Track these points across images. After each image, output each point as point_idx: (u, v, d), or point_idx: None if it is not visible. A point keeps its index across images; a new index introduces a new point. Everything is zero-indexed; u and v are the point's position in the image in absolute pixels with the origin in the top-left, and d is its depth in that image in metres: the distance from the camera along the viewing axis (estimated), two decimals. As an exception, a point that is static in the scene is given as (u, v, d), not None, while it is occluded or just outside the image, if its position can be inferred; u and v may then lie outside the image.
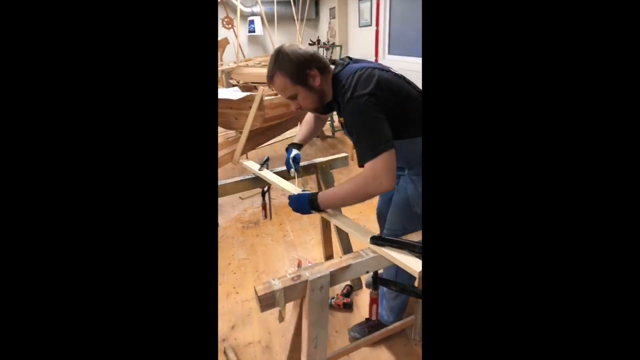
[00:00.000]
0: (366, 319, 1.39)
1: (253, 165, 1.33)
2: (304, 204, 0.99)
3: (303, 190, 1.08)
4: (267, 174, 1.25)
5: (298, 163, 1.22)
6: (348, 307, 1.51)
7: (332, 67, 0.99)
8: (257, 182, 1.28)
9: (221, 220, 2.32)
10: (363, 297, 1.57)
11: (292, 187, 1.14)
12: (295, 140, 1.26)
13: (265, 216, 1.23)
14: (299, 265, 1.80)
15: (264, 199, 1.28)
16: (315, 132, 1.29)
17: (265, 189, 1.28)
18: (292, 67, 0.91)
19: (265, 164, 1.29)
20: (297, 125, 3.77)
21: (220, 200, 2.51)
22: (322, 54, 4.80)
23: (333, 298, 1.52)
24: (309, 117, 1.29)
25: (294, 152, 1.21)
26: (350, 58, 1.00)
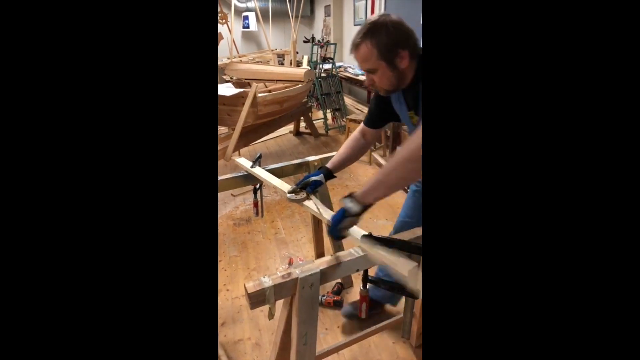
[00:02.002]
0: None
1: (245, 163, 1.32)
2: (337, 215, 0.81)
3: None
4: (259, 172, 1.25)
5: (312, 188, 1.03)
6: (338, 305, 1.51)
7: None
8: (249, 179, 1.27)
9: (212, 217, 2.31)
10: (353, 295, 1.58)
11: (285, 185, 1.14)
12: (328, 165, 1.07)
13: (257, 213, 1.23)
14: (290, 263, 1.80)
15: (255, 196, 1.28)
16: (356, 154, 1.10)
17: (257, 186, 1.28)
18: (386, 40, 0.83)
19: (257, 161, 1.29)
20: (290, 122, 3.76)
21: (212, 196, 2.49)
22: (316, 51, 4.75)
23: (323, 296, 1.52)
24: (352, 140, 1.10)
25: (316, 177, 1.03)
26: None
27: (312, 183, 1.04)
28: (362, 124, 1.10)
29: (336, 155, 1.10)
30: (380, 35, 0.83)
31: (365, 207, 0.79)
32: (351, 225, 0.81)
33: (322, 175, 1.05)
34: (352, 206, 0.79)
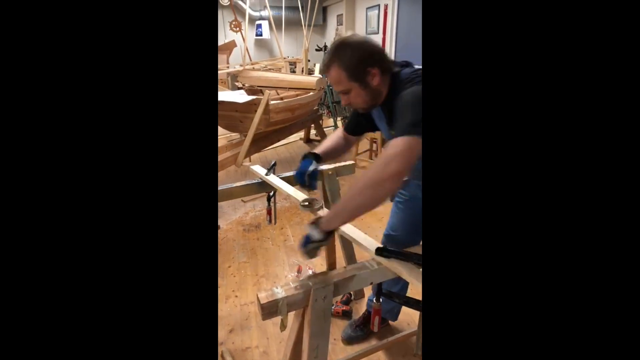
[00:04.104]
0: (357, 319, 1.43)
1: (260, 170, 1.33)
2: (304, 239, 0.82)
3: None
4: (274, 179, 1.25)
5: (315, 179, 1.04)
6: (347, 315, 1.50)
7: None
8: (263, 186, 1.28)
9: (223, 223, 2.32)
10: (363, 306, 1.56)
11: (298, 193, 1.14)
12: (317, 151, 1.08)
13: (270, 221, 1.23)
14: (299, 271, 1.79)
15: (269, 203, 1.28)
16: (339, 152, 1.14)
17: (271, 193, 1.29)
18: (352, 61, 0.83)
19: (272, 169, 1.30)
20: (301, 130, 3.78)
21: (223, 202, 2.51)
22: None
23: (332, 306, 1.51)
24: (336, 137, 1.14)
25: (313, 166, 1.03)
26: (407, 62, 0.92)
27: (312, 173, 1.03)
28: (342, 128, 1.15)
29: (322, 144, 1.13)
30: (346, 57, 0.83)
31: (330, 233, 0.81)
32: (318, 248, 0.82)
33: (314, 162, 1.04)
34: (315, 234, 0.79)
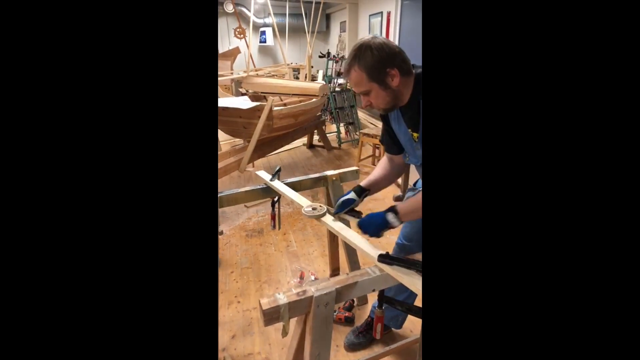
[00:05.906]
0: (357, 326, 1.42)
1: (265, 176, 1.34)
2: (378, 219, 0.92)
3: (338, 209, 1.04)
4: (278, 185, 1.26)
5: (344, 208, 1.05)
6: (349, 321, 1.49)
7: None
8: (268, 192, 1.29)
9: (225, 228, 2.33)
10: (365, 312, 1.56)
11: (302, 199, 1.15)
12: (364, 182, 1.09)
13: (274, 226, 1.23)
14: (302, 277, 1.79)
15: (273, 209, 1.29)
16: (388, 178, 1.12)
17: (276, 199, 1.29)
18: (372, 62, 0.85)
19: (276, 174, 1.31)
20: (304, 135, 3.80)
21: (226, 208, 2.52)
22: (331, 66, 4.81)
23: (334, 312, 1.50)
24: (383, 162, 1.14)
25: (349, 195, 1.05)
26: None
27: (345, 203, 1.05)
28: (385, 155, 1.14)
29: (370, 174, 1.13)
30: (366, 58, 0.85)
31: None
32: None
33: (353, 193, 1.06)
34: (395, 221, 0.92)
